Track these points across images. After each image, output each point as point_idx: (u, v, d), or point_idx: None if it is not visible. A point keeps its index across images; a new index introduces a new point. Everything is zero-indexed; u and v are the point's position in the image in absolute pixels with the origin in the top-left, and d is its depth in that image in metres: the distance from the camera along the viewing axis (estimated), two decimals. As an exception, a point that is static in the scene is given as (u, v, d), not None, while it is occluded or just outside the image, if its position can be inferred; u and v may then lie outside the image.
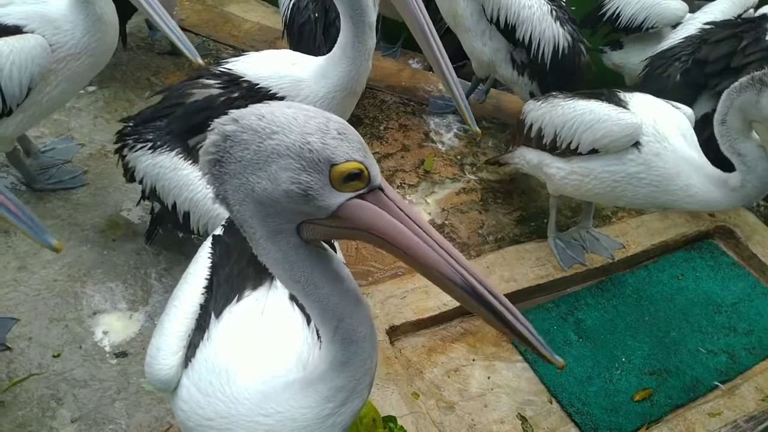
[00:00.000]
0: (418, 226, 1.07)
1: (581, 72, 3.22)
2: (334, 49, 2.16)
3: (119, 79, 3.46)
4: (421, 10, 2.10)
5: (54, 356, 2.16)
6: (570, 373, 2.51)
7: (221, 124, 1.04)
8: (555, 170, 2.71)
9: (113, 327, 2.27)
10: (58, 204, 2.71)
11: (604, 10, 3.85)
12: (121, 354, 2.20)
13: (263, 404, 1.22)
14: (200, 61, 2.31)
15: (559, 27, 3.15)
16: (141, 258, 2.56)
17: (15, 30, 2.22)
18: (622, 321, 2.74)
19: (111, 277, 2.45)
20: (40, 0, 2.31)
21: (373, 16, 2.09)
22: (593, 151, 2.51)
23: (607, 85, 2.78)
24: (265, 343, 1.34)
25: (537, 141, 2.76)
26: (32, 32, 2.23)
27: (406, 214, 1.07)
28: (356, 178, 1.02)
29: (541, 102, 2.78)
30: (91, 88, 3.31)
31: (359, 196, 1.04)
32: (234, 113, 1.03)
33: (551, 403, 2.43)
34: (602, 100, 2.53)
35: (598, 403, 2.43)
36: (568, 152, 2.61)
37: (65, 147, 2.97)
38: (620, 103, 2.50)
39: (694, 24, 3.33)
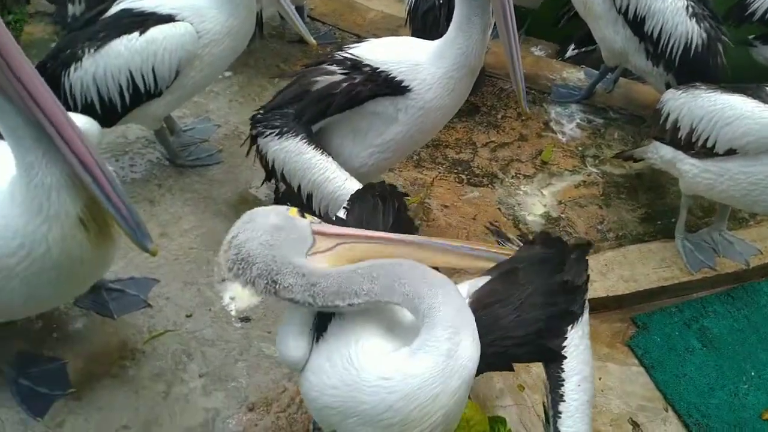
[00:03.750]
0: None
1: (714, 73, 2.96)
2: (449, 28, 2.17)
3: (252, 65, 3.69)
4: None
5: (187, 316, 2.36)
6: (690, 382, 2.37)
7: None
8: (688, 167, 2.55)
9: (239, 294, 2.43)
10: (195, 179, 2.95)
11: (752, 9, 3.50)
12: (245, 319, 2.37)
13: (383, 369, 1.29)
14: (313, 41, 2.71)
15: (695, 24, 2.92)
16: (266, 232, 2.73)
17: (168, 19, 2.44)
18: (754, 333, 2.53)
19: (239, 248, 2.63)
20: (188, -10, 2.53)
21: None
22: (730, 152, 2.33)
23: (758, 81, 2.55)
24: (388, 322, 1.42)
25: (672, 134, 2.60)
26: (182, 20, 2.45)
27: None
28: None
29: (681, 92, 2.62)
30: (228, 74, 3.54)
31: None
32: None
33: (666, 411, 2.30)
34: (747, 96, 2.34)
35: (720, 417, 2.27)
36: (704, 152, 2.44)
37: (204, 127, 3.22)
38: (767, 100, 2.30)
39: None
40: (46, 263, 1.55)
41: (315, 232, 1.44)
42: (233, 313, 2.39)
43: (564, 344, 1.54)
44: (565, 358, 1.53)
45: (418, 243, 1.48)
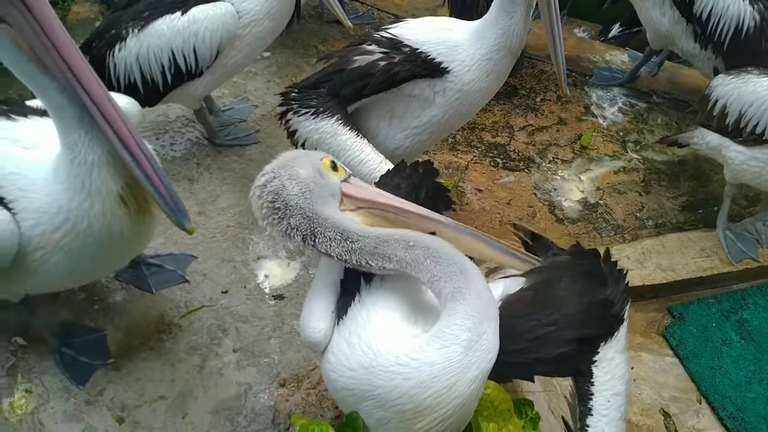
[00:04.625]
0: None
1: (766, 57, 2.83)
2: (491, 8, 2.13)
3: (290, 46, 3.70)
4: None
5: (222, 292, 2.42)
6: (726, 375, 2.32)
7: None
8: (734, 154, 2.47)
9: (273, 272, 2.49)
10: (233, 158, 3.00)
11: None
12: (278, 297, 2.42)
13: (399, 354, 1.29)
14: (349, 23, 2.67)
15: (747, 5, 2.80)
16: (301, 212, 2.76)
17: (208, -3, 2.47)
18: (797, 327, 2.46)
19: (274, 227, 2.68)
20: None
21: None
22: (781, 139, 2.25)
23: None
24: (410, 305, 1.42)
25: (719, 120, 2.52)
26: (223, 0, 2.46)
27: None
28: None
29: (732, 77, 2.53)
30: (266, 54, 3.56)
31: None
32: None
33: (700, 403, 2.27)
34: None
35: (756, 411, 2.22)
36: (752, 140, 2.36)
37: (242, 107, 3.26)
38: None
39: None
40: (87, 238, 1.61)
41: (343, 193, 1.44)
42: (267, 290, 2.44)
43: (595, 358, 1.50)
44: (592, 373, 1.49)
45: (445, 223, 1.47)
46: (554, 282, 1.52)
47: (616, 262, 1.72)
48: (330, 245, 1.34)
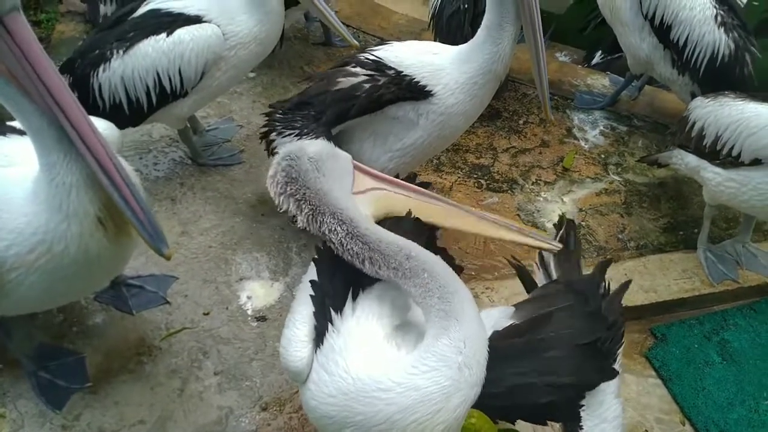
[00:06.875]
0: None
1: (741, 84, 2.90)
2: (478, 32, 2.16)
3: (276, 67, 3.71)
4: None
5: (204, 314, 2.39)
6: (708, 396, 2.33)
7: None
8: (711, 175, 2.51)
9: (256, 293, 2.47)
10: (217, 178, 2.99)
11: None
12: (261, 318, 2.40)
13: (381, 379, 1.26)
14: (355, 42, 2.66)
15: (722, 33, 2.88)
16: (284, 233, 2.75)
17: (196, 20, 2.47)
18: (777, 348, 2.48)
19: (257, 247, 2.67)
20: (219, -9, 2.56)
21: None
22: (756, 162, 2.29)
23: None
24: (384, 333, 1.39)
25: (697, 142, 2.56)
26: (210, 22, 2.47)
27: None
28: None
29: (709, 100, 2.59)
30: (252, 75, 3.56)
31: None
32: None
33: (683, 425, 2.27)
34: None
35: (740, 433, 2.23)
36: (729, 162, 2.40)
37: (226, 127, 3.25)
38: None
39: None
40: (63, 260, 1.59)
41: (355, 167, 1.47)
42: (249, 312, 2.41)
43: (582, 403, 1.47)
44: (580, 418, 1.46)
45: (457, 206, 1.49)
46: (546, 321, 1.48)
47: (621, 306, 1.66)
48: (336, 231, 1.35)
